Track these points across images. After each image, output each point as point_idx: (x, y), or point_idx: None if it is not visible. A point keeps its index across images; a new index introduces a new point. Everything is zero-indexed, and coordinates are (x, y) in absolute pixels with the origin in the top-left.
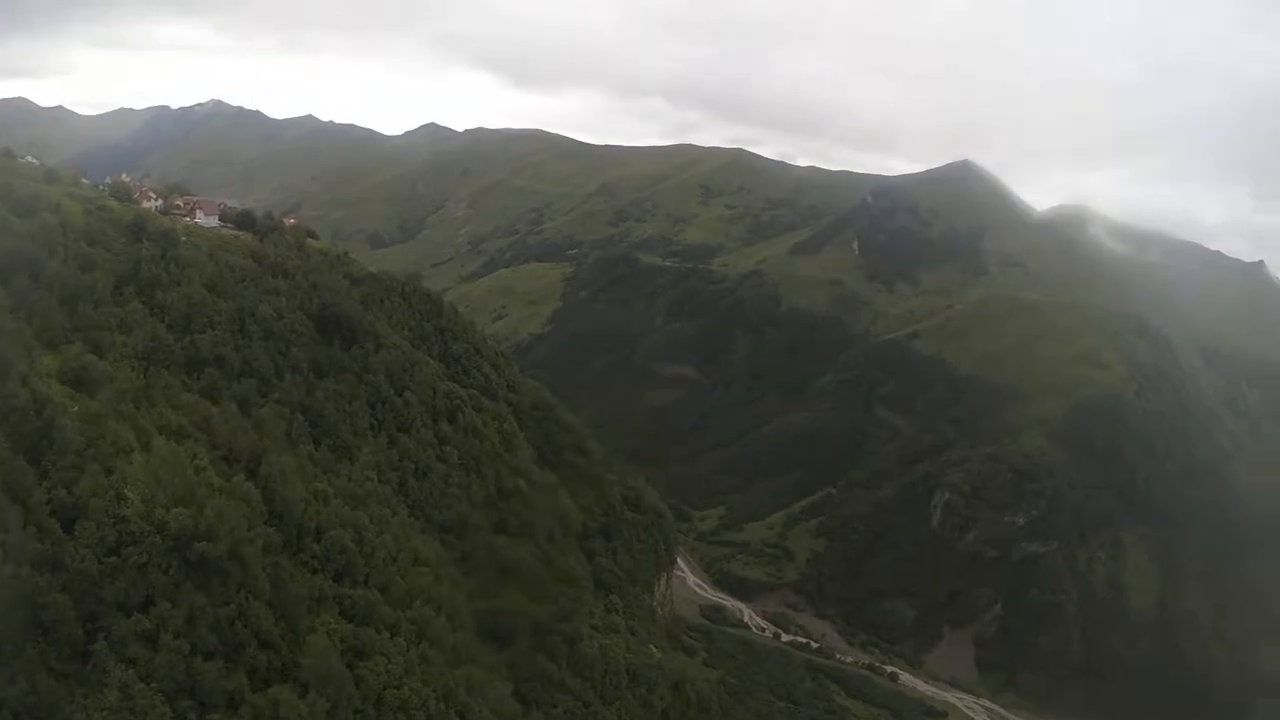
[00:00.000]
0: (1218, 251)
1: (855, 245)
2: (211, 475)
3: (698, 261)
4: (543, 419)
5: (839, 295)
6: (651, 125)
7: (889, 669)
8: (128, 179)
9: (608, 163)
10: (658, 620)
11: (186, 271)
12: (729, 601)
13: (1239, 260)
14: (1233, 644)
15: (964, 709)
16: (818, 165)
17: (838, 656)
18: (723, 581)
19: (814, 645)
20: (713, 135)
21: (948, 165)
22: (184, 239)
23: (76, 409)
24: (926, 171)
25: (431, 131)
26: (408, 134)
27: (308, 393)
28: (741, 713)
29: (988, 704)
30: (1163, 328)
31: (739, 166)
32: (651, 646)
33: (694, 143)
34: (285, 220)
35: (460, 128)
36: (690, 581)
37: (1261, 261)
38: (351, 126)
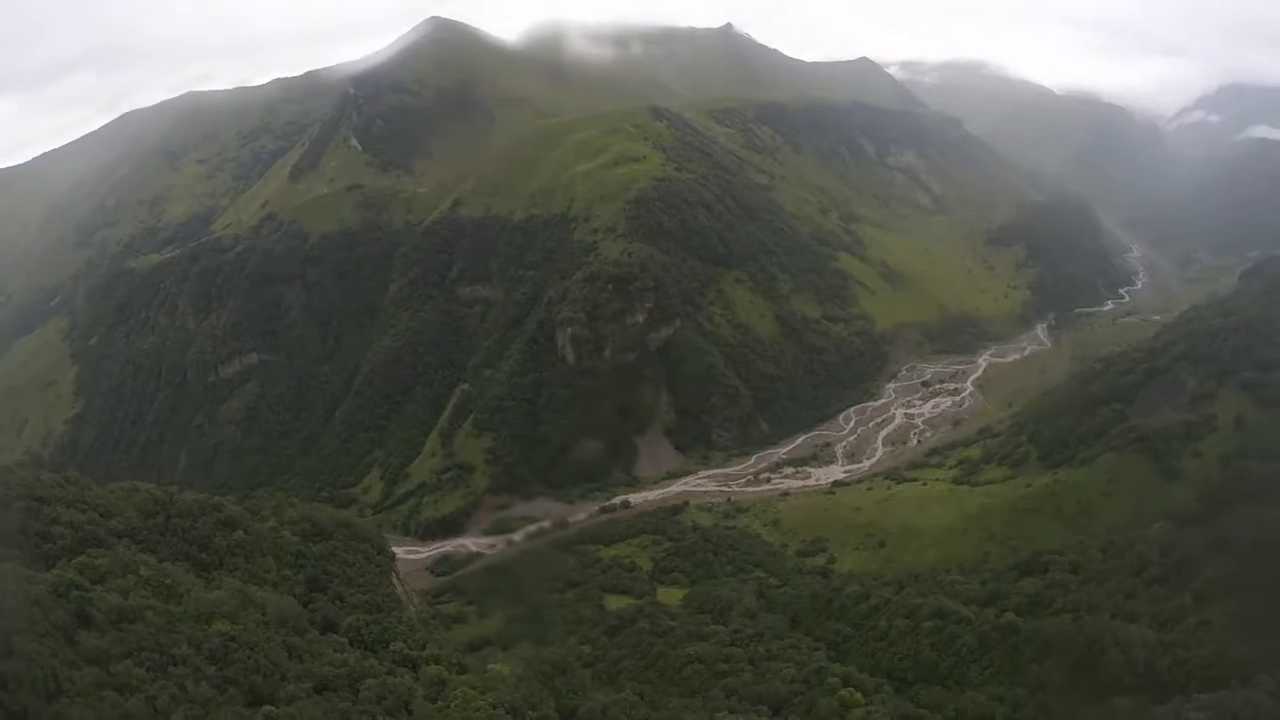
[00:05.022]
0: (690, 27)
1: (354, 142)
2: None
3: (199, 238)
4: (166, 525)
5: (364, 200)
6: (85, 107)
7: (618, 500)
8: None
9: (46, 180)
10: (422, 621)
11: None
12: (448, 545)
13: (710, 28)
14: (802, 308)
15: (694, 489)
16: (281, 76)
17: (570, 521)
18: (428, 532)
19: (545, 525)
20: (154, 91)
21: (416, 28)
22: None
23: None
24: (397, 42)
25: None
26: None
27: None
28: (555, 631)
29: (705, 474)
30: (670, 106)
31: (194, 113)
32: (492, 665)
33: (134, 108)
34: None
35: None
36: (401, 554)
37: (729, 24)
38: None
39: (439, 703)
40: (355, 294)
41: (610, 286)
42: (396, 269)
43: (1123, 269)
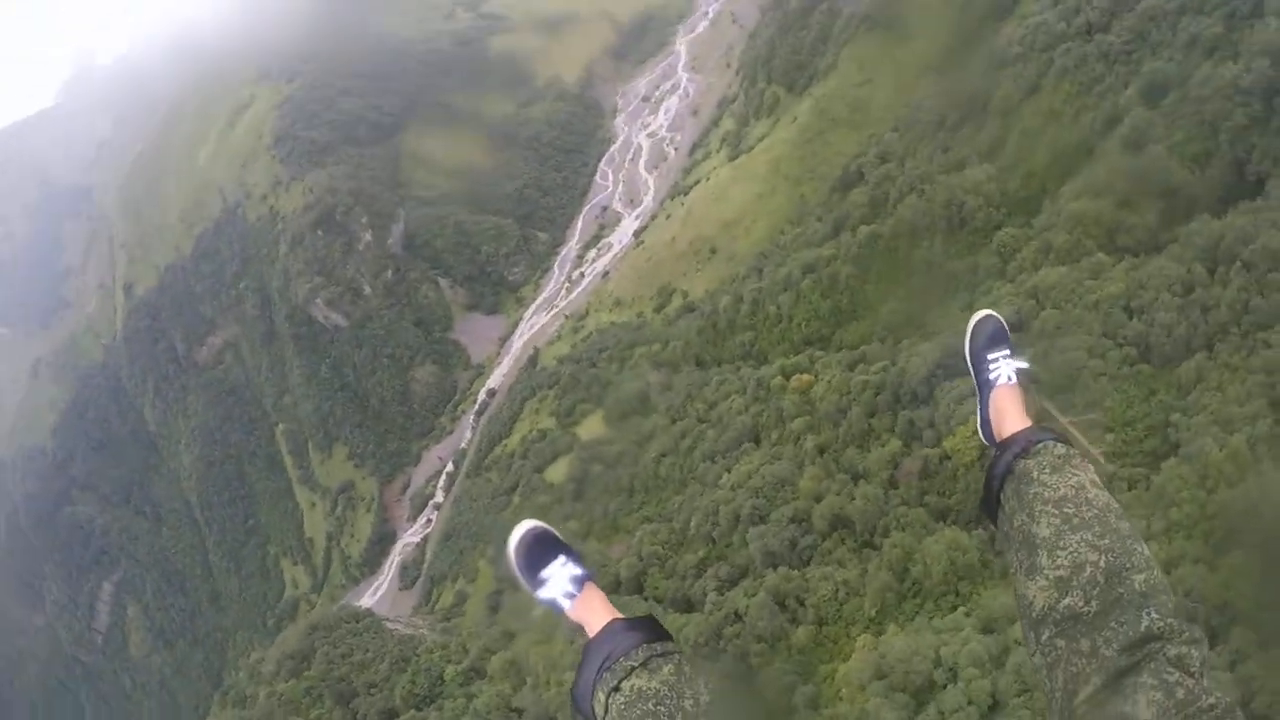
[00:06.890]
0: None
1: None
2: None
3: None
4: None
5: (53, 369)
6: None
7: (482, 395)
8: None
9: None
10: (441, 633)
11: None
12: (395, 557)
13: None
14: (495, 111)
15: (531, 334)
16: None
17: (463, 446)
18: (371, 564)
19: (449, 470)
20: None
21: None
22: None
23: None
24: None
25: None
26: None
27: None
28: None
29: (530, 315)
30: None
31: None
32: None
33: None
34: None
35: None
36: (371, 601)
37: None
38: None
39: (528, 681)
40: (127, 452)
41: (319, 232)
42: (136, 395)
43: None
